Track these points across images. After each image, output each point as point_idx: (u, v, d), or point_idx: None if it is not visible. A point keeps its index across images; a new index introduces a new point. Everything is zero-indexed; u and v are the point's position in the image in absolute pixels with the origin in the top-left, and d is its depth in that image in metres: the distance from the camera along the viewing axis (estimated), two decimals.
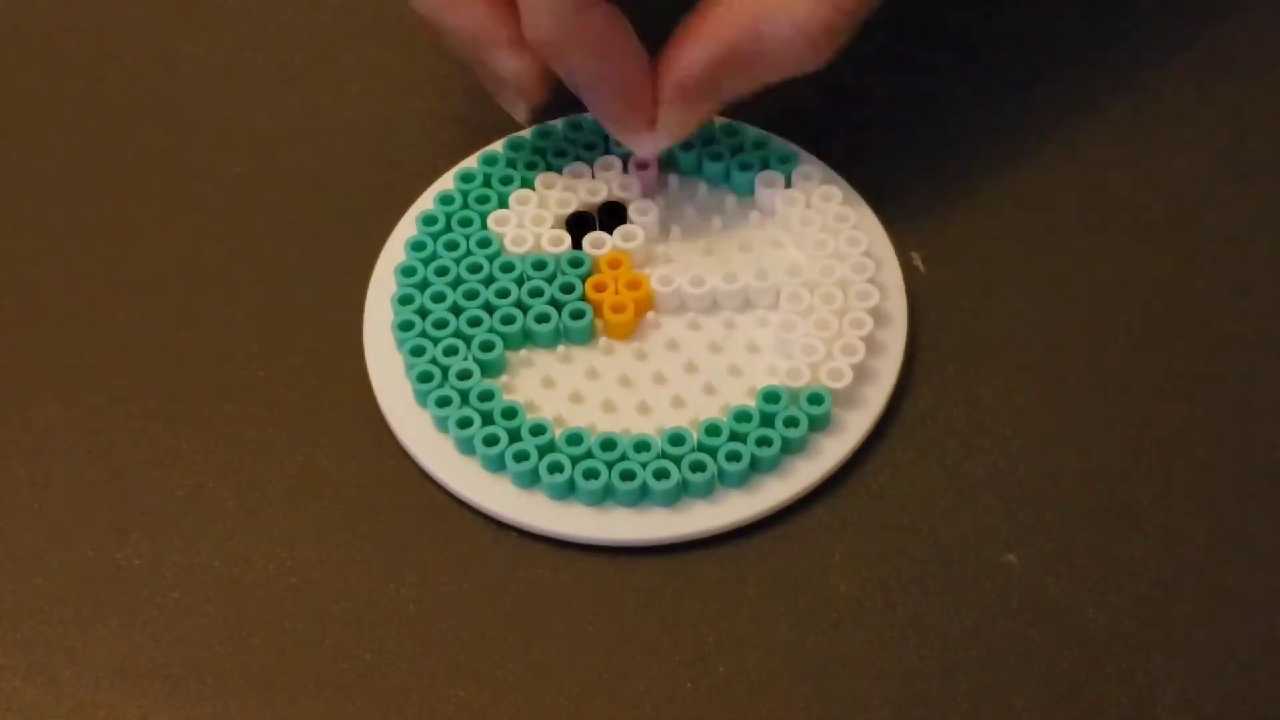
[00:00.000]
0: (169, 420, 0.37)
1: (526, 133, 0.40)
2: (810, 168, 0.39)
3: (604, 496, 0.35)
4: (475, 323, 0.37)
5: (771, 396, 0.35)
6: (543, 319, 0.37)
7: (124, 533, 0.35)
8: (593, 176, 0.39)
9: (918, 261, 0.39)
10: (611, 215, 0.39)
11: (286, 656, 0.33)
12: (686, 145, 0.39)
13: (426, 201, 0.40)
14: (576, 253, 0.38)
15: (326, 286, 0.39)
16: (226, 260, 0.40)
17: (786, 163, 0.39)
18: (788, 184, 0.39)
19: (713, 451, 0.35)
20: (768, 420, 0.35)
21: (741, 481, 0.35)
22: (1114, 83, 0.42)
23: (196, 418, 0.37)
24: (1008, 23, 0.44)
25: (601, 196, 0.39)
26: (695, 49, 0.35)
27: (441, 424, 0.36)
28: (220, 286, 0.39)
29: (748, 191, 0.39)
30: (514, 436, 0.35)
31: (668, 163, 0.40)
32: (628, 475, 0.34)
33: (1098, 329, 0.38)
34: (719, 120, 0.40)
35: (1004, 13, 0.44)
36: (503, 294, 0.37)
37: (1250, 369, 0.37)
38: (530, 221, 0.38)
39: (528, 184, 0.39)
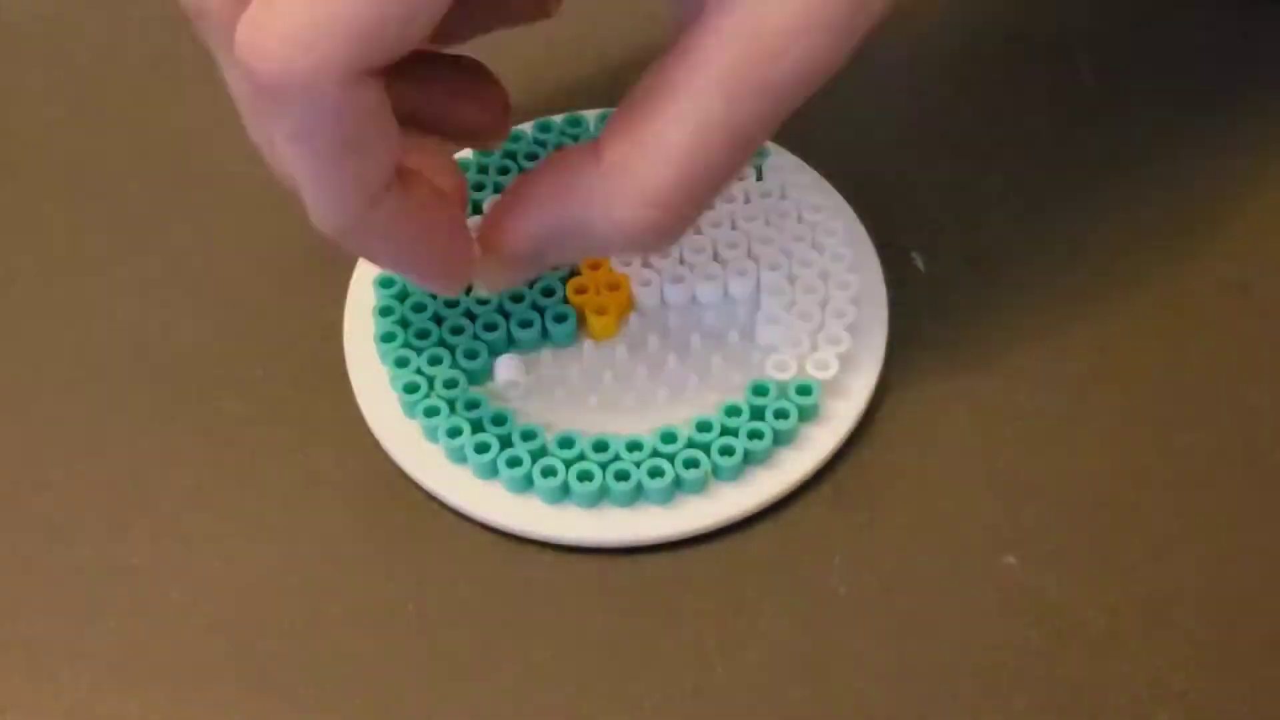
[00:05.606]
0: (169, 420, 0.36)
1: None
2: (780, 159, 0.38)
3: (599, 498, 0.34)
4: (458, 330, 0.35)
5: (760, 389, 0.34)
6: (526, 324, 0.36)
7: (124, 532, 0.34)
8: None
9: (919, 262, 0.38)
10: None
11: (286, 656, 0.33)
12: None
13: None
14: None
15: (309, 292, 0.38)
16: (221, 263, 0.39)
17: (756, 155, 0.38)
18: (758, 177, 0.38)
19: (705, 447, 0.34)
20: (758, 413, 0.34)
21: (735, 476, 0.34)
22: (1110, 82, 0.41)
23: (196, 418, 0.36)
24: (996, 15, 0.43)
25: None
26: (517, 221, 0.31)
27: (431, 434, 0.35)
28: (219, 288, 0.38)
29: None
30: (505, 442, 0.34)
31: None
32: (622, 476, 0.33)
33: (1095, 328, 0.37)
34: None
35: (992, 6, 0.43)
36: (484, 300, 0.36)
37: (1250, 369, 0.36)
38: None
39: (500, 190, 0.38)
